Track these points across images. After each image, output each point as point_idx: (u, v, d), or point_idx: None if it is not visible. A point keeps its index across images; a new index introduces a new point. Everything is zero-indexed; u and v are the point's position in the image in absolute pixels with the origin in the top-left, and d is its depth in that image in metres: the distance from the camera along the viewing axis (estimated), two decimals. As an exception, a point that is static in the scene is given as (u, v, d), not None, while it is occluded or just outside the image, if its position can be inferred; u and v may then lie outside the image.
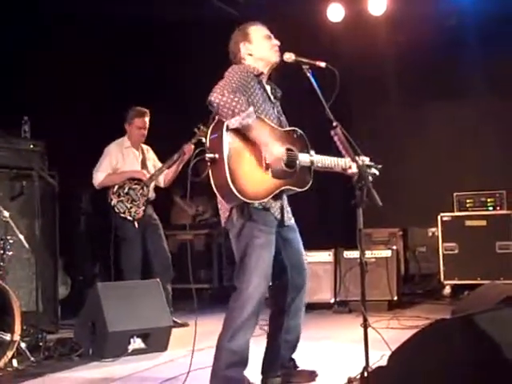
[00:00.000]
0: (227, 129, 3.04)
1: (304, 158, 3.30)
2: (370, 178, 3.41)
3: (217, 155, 3.03)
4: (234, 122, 3.02)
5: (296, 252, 3.41)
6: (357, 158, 3.25)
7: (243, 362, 3.17)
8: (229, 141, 3.05)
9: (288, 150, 3.24)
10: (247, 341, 3.15)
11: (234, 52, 3.43)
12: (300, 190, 3.29)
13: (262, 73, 3.36)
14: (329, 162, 3.39)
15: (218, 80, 3.17)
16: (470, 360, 2.26)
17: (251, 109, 3.07)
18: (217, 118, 3.10)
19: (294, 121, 3.53)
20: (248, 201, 3.08)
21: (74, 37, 6.63)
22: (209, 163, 3.05)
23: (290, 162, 3.23)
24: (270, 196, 3.16)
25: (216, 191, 3.09)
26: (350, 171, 3.36)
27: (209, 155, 3.04)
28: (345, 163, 3.38)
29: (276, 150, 3.14)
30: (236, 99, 3.02)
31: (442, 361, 2.33)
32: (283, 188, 3.21)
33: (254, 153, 3.12)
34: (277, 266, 3.29)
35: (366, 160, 3.44)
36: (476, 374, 2.22)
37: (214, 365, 3.16)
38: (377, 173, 3.48)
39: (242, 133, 3.09)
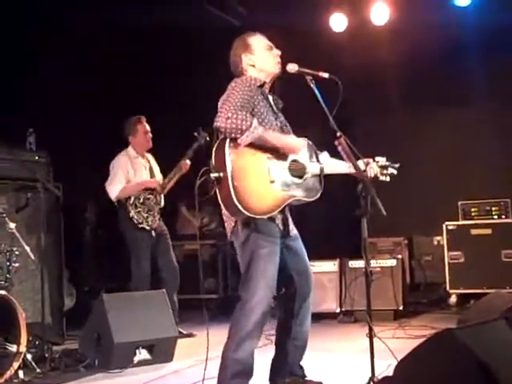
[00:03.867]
0: (229, 146, 3.08)
1: (313, 168, 3.31)
2: (388, 178, 3.42)
3: (221, 174, 3.06)
4: (245, 139, 3.06)
5: (301, 260, 3.42)
6: (361, 164, 3.26)
7: (248, 371, 3.16)
8: (232, 158, 3.07)
9: (294, 161, 3.26)
10: (252, 351, 3.16)
11: (235, 63, 3.44)
12: (309, 200, 3.30)
13: (264, 83, 3.38)
14: (339, 168, 3.39)
15: (218, 90, 3.20)
16: (457, 373, 2.26)
17: (255, 122, 3.10)
18: (221, 136, 3.14)
19: (297, 131, 3.54)
20: (256, 216, 3.11)
21: (76, 49, 6.67)
22: (215, 182, 3.08)
23: (297, 172, 3.24)
24: (279, 209, 3.18)
25: (224, 209, 3.14)
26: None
27: (213, 174, 3.07)
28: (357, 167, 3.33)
29: (296, 141, 3.23)
30: (240, 117, 3.06)
31: (447, 371, 2.32)
32: (291, 200, 3.22)
33: (257, 168, 3.15)
34: (284, 275, 3.32)
35: (383, 160, 3.44)
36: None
37: (220, 375, 3.16)
38: (395, 172, 3.47)
39: (244, 149, 3.11)
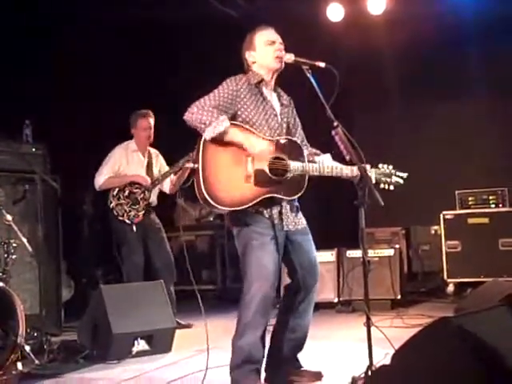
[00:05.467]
0: (204, 140, 3.16)
1: (297, 166, 3.26)
2: (392, 186, 3.39)
3: (196, 165, 3.15)
4: (208, 133, 3.14)
5: (305, 254, 3.43)
6: (363, 164, 3.24)
7: (256, 358, 3.22)
8: (205, 152, 3.16)
9: (277, 158, 3.24)
10: (257, 338, 3.20)
11: (243, 60, 3.48)
12: (288, 198, 3.30)
13: (262, 80, 3.38)
14: (329, 171, 3.32)
15: (219, 82, 3.23)
16: (454, 361, 2.28)
17: (223, 117, 3.16)
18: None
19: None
20: (224, 208, 3.18)
21: (76, 39, 6.65)
22: (194, 173, 3.17)
23: (278, 170, 3.22)
24: (251, 203, 3.18)
25: (199, 199, 3.20)
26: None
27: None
28: (351, 171, 3.29)
29: (254, 143, 3.19)
30: (205, 112, 3.15)
31: (444, 359, 2.33)
32: (266, 196, 3.21)
33: (234, 162, 3.19)
34: (289, 267, 3.40)
35: (389, 168, 3.42)
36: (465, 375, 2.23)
37: (231, 360, 3.25)
38: (400, 181, 3.41)
39: (220, 143, 3.18)
